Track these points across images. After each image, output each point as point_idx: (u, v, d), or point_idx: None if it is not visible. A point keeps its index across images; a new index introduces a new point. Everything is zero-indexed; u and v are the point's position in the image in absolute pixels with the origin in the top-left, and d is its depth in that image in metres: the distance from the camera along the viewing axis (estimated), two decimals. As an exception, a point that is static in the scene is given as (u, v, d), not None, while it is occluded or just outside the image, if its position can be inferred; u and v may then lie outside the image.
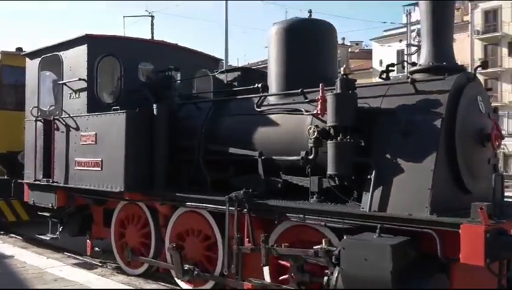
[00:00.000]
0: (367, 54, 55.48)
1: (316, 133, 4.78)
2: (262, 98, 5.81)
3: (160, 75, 7.37)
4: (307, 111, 5.15)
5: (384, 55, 43.40)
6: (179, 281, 6.13)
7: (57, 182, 7.44)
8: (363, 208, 4.32)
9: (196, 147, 6.14)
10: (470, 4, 44.28)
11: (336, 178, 4.57)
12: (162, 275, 6.69)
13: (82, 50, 7.10)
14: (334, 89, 4.72)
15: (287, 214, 4.81)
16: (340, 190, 4.74)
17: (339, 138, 4.55)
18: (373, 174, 4.31)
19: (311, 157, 4.91)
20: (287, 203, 4.89)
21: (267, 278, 5.12)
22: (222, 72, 6.66)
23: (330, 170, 4.57)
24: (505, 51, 42.05)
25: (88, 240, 7.82)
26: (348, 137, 4.49)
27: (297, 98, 5.43)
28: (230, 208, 5.15)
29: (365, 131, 4.57)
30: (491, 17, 43.45)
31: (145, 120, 6.40)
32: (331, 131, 4.65)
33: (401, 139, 4.33)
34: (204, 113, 6.32)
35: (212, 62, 8.44)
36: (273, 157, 5.37)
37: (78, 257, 8.13)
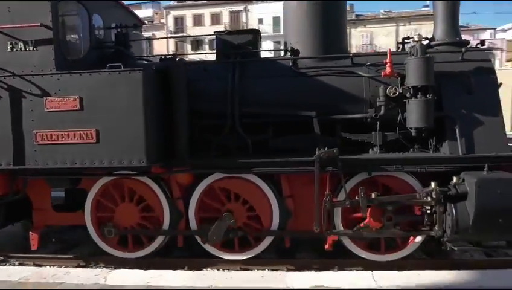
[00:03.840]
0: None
1: (396, 93, 4.51)
2: (295, 61, 4.98)
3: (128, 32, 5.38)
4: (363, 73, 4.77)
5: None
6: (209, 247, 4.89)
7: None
8: (451, 153, 4.39)
9: (229, 112, 4.81)
10: (165, 11, 49.18)
11: (422, 130, 4.47)
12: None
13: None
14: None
15: (382, 166, 4.42)
16: (407, 141, 4.67)
17: (418, 96, 4.43)
18: (459, 125, 4.40)
19: (381, 114, 4.61)
20: (378, 156, 4.49)
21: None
22: (231, 33, 5.28)
23: (414, 124, 4.46)
24: (189, 47, 46.00)
25: (31, 232, 5.14)
26: (430, 95, 4.42)
27: (340, 62, 4.94)
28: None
29: (435, 90, 4.57)
30: (179, 22, 47.94)
31: (160, 80, 4.59)
32: (411, 91, 4.47)
33: (466, 96, 4.56)
34: (223, 75, 4.95)
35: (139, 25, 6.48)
36: (332, 116, 4.76)
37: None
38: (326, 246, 4.61)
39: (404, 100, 4.58)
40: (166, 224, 4.91)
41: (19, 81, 4.48)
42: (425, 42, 5.05)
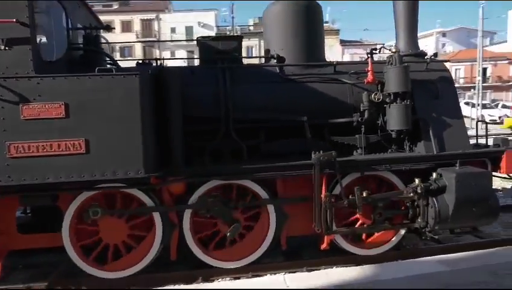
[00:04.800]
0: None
1: (380, 98, 4.72)
2: (282, 68, 4.94)
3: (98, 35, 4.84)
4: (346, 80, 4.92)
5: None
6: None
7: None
8: (427, 152, 4.72)
9: (223, 117, 4.56)
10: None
11: (402, 132, 4.75)
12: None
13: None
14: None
15: (373, 166, 4.58)
16: (388, 143, 4.93)
17: (398, 101, 4.70)
18: (431, 127, 4.75)
19: (365, 118, 4.79)
20: (369, 157, 4.63)
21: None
22: (216, 39, 4.99)
23: (395, 127, 4.75)
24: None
25: (-9, 261, 4.29)
26: (408, 100, 4.71)
27: (323, 70, 5.03)
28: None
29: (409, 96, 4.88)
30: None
31: (152, 85, 4.18)
32: (391, 96, 4.72)
33: (433, 101, 4.96)
34: (213, 80, 4.70)
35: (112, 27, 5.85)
36: (321, 120, 4.81)
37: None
38: (324, 245, 4.62)
39: (385, 105, 4.81)
40: (159, 235, 4.46)
41: (-16, 85, 3.71)
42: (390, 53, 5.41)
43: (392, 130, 4.78)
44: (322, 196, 4.43)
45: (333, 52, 38.03)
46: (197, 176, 4.41)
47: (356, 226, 4.71)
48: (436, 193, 4.53)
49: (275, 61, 5.02)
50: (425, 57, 5.36)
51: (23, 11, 3.76)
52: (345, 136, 4.92)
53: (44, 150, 3.81)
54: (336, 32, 44.62)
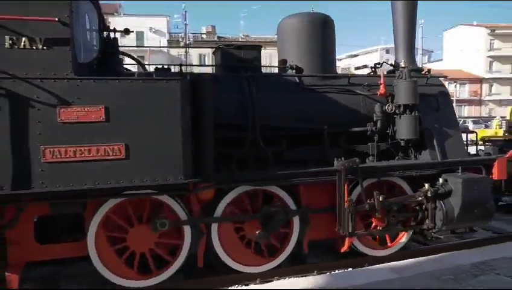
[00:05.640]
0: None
1: (393, 110, 5.08)
2: (300, 78, 5.16)
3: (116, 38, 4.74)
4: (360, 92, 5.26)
5: None
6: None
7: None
8: (432, 159, 5.15)
9: (250, 125, 4.65)
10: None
11: (410, 141, 5.13)
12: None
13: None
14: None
15: (389, 172, 4.91)
16: (396, 151, 5.31)
17: (407, 113, 5.09)
18: (435, 137, 5.19)
19: (378, 127, 5.13)
20: (385, 164, 4.96)
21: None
22: (238, 48, 5.05)
23: (405, 136, 5.13)
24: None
25: (7, 273, 3.96)
26: (416, 112, 5.12)
27: (337, 81, 5.31)
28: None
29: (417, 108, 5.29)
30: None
31: (190, 91, 4.18)
32: (401, 108, 5.10)
33: (435, 113, 5.42)
34: (237, 88, 4.78)
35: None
36: (338, 129, 5.07)
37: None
38: (345, 248, 4.84)
39: (395, 116, 5.18)
40: (187, 242, 4.42)
41: (21, 86, 3.50)
42: (391, 68, 5.86)
43: (401, 139, 5.16)
44: (346, 200, 4.66)
45: (275, 62, 39.15)
46: (226, 182, 4.45)
47: (371, 228, 5.01)
48: (443, 197, 4.95)
49: (293, 71, 5.22)
50: (422, 72, 5.86)
51: (64, 10, 3.60)
52: (357, 144, 5.22)
53: (82, 155, 3.66)
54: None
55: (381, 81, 5.14)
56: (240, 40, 42.49)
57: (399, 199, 4.98)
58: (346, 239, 4.80)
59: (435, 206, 4.99)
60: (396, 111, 5.16)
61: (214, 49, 5.56)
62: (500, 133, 13.21)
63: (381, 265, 4.57)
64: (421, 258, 4.76)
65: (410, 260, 4.69)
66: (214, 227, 4.53)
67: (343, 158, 4.68)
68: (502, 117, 10.22)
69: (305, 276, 4.51)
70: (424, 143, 5.26)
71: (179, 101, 3.88)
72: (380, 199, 4.80)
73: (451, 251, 5.16)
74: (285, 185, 4.63)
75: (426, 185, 4.97)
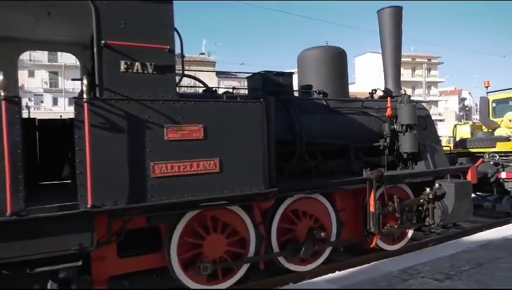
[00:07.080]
0: None
1: (399, 128, 6.18)
2: (326, 101, 6.01)
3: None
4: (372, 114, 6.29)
5: None
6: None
7: (98, 206, 3.58)
8: (427, 168, 6.34)
9: (298, 140, 5.33)
10: None
11: (413, 154, 6.26)
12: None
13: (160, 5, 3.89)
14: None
15: (401, 179, 5.94)
16: (398, 162, 6.41)
17: (409, 131, 6.25)
18: (427, 150, 6.41)
19: (388, 143, 6.19)
20: (400, 172, 5.99)
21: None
22: (279, 74, 5.72)
23: (408, 150, 6.25)
24: None
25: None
26: (414, 130, 6.30)
27: (353, 104, 6.27)
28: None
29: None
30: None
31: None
32: (404, 127, 6.24)
33: (424, 131, 6.67)
34: (282, 108, 5.45)
35: None
36: (358, 144, 5.98)
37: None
38: (373, 244, 5.70)
39: (398, 133, 6.28)
40: (252, 249, 4.88)
41: (134, 107, 3.75)
42: (381, 93, 7.04)
43: (405, 152, 6.28)
44: (372, 203, 5.56)
45: (212, 83, 39.92)
46: (293, 190, 5.06)
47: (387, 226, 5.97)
48: (439, 198, 6.14)
49: (321, 95, 6.05)
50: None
51: (170, 40, 3.95)
52: (370, 156, 6.21)
53: (185, 170, 4.00)
54: (212, 64, 46.51)
55: (388, 104, 6.23)
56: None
57: (409, 201, 6.06)
58: (375, 237, 5.70)
59: (434, 206, 6.16)
60: (400, 129, 6.28)
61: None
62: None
63: (317, 278, 4.79)
64: (358, 267, 5.04)
65: (346, 270, 4.95)
66: (273, 230, 5.07)
67: (369, 169, 5.59)
68: (450, 137, 12.52)
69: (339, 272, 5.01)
70: (420, 155, 6.45)
71: (260, 120, 4.42)
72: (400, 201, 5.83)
73: (379, 259, 5.43)
74: (329, 192, 5.38)
75: (427, 189, 6.13)
